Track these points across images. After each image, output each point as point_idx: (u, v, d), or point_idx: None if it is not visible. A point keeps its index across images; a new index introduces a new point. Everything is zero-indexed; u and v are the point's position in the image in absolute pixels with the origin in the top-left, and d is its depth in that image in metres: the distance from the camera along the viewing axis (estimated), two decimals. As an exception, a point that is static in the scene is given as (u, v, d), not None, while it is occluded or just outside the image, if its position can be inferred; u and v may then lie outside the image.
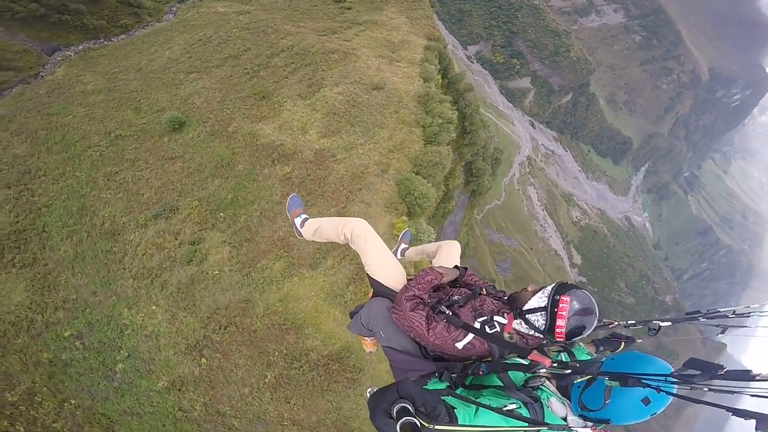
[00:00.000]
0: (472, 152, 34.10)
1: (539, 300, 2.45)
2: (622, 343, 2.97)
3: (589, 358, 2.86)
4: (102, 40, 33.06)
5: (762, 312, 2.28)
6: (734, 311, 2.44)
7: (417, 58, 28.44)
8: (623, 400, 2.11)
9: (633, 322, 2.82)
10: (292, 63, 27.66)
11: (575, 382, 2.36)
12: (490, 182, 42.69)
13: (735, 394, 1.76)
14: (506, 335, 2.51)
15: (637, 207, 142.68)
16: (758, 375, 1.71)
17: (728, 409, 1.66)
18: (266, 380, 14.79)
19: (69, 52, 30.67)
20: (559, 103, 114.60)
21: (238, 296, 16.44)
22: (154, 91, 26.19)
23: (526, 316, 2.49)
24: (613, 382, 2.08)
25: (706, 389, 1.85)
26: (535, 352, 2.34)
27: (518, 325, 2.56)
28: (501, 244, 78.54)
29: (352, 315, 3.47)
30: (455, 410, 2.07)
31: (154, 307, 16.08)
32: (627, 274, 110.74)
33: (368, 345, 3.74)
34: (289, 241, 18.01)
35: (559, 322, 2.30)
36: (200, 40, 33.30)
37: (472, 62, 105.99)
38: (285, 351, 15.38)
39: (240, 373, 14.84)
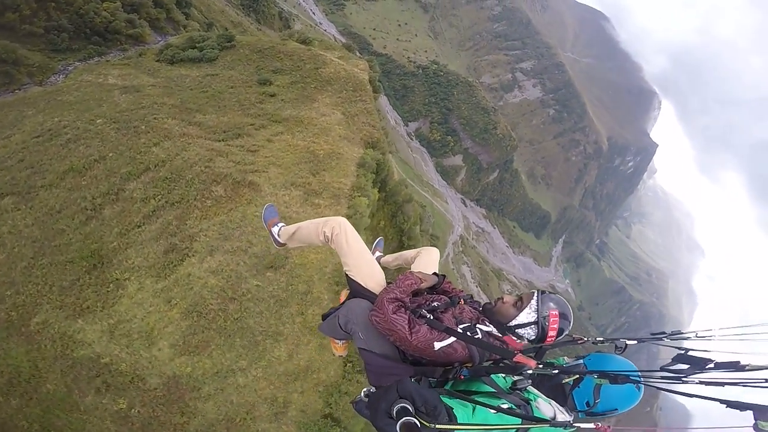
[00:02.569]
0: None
1: (528, 316, 2.56)
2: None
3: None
4: None
5: (722, 335, 2.27)
6: (696, 333, 2.42)
7: (345, 188, 21.02)
8: (617, 391, 2.24)
9: (602, 339, 2.82)
10: (156, 197, 18.79)
11: (563, 381, 2.42)
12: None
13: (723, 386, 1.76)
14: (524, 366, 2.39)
15: (559, 275, 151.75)
16: (747, 365, 1.74)
17: (723, 401, 1.65)
18: None
19: None
20: (487, 180, 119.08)
21: None
22: None
23: (516, 330, 2.58)
24: (602, 380, 2.15)
25: (697, 382, 1.85)
26: (519, 354, 2.35)
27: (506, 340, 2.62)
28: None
29: (324, 317, 3.31)
30: (453, 410, 2.06)
31: None
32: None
33: (339, 348, 3.59)
34: None
35: (551, 333, 2.49)
36: (49, 130, 23.71)
37: (412, 139, 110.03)
38: None
39: None
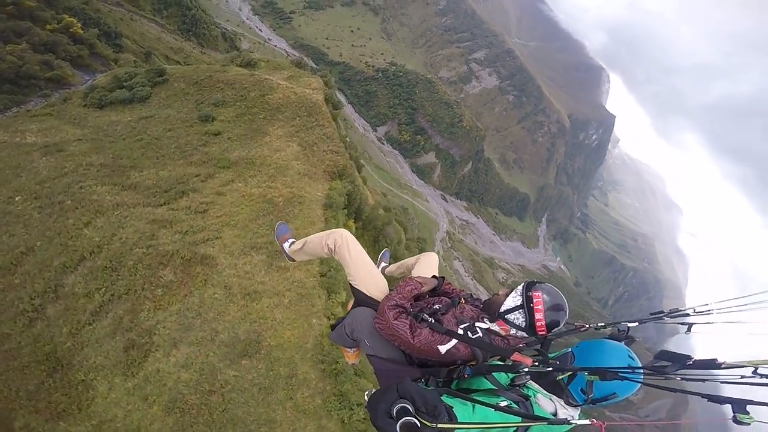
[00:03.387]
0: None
1: (513, 300, 2.64)
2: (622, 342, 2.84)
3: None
4: None
5: (719, 308, 2.25)
6: (694, 309, 2.40)
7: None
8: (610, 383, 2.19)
9: (602, 324, 2.76)
10: (99, 290, 16.40)
11: (557, 378, 2.38)
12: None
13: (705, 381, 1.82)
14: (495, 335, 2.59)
15: (549, 254, 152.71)
16: (723, 363, 1.78)
17: (704, 395, 1.72)
18: None
19: None
20: (462, 172, 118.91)
21: None
22: None
23: (506, 316, 2.66)
24: (593, 376, 2.16)
25: (679, 378, 1.91)
26: (516, 353, 2.35)
27: (497, 327, 2.68)
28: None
29: (333, 327, 3.35)
30: (453, 409, 2.06)
31: None
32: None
33: (350, 357, 3.52)
34: None
35: (537, 315, 2.50)
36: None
37: (383, 143, 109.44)
38: None
39: None
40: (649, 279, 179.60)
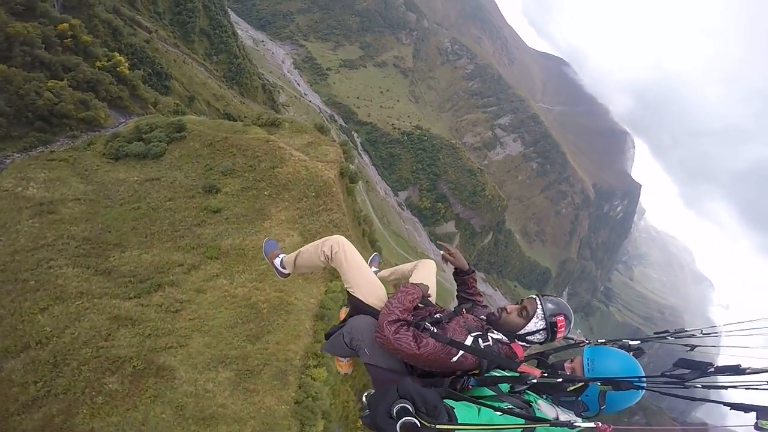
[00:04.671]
0: None
1: (536, 324, 2.62)
2: (630, 354, 2.73)
3: None
4: None
5: (727, 331, 2.20)
6: (701, 330, 2.45)
7: (295, 358, 15.50)
8: (622, 394, 2.17)
9: (603, 341, 2.66)
10: (36, 383, 15.21)
11: (568, 389, 2.34)
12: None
13: (725, 390, 1.78)
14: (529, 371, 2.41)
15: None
16: (748, 368, 1.73)
17: (726, 404, 1.69)
18: None
19: None
20: (482, 243, 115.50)
21: None
22: None
23: (526, 338, 2.66)
24: (606, 386, 2.13)
25: (699, 386, 1.88)
26: (524, 364, 2.37)
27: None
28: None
29: (327, 336, 3.29)
30: (454, 410, 2.04)
31: None
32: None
33: (343, 366, 3.53)
34: None
35: (559, 335, 2.61)
36: None
37: (403, 209, 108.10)
38: None
39: None
40: (675, 348, 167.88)
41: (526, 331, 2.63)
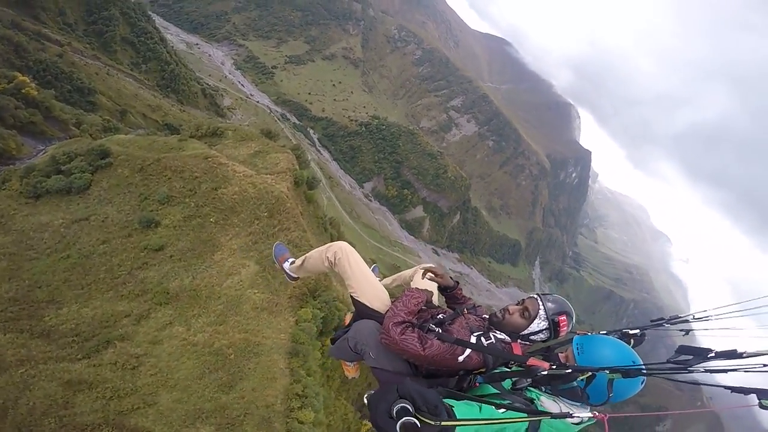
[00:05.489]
0: None
1: (539, 324, 2.66)
2: (631, 340, 2.78)
3: None
4: None
5: (717, 314, 2.32)
6: (693, 315, 2.49)
7: (276, 403, 13.54)
8: (628, 382, 2.20)
9: (605, 332, 2.73)
10: None
11: (577, 380, 2.36)
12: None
13: (720, 374, 1.85)
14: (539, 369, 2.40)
15: None
16: (744, 352, 1.79)
17: (728, 387, 1.73)
18: None
19: None
20: (452, 224, 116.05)
21: None
22: None
23: (530, 338, 2.70)
24: (614, 375, 2.14)
25: (702, 371, 1.92)
26: (532, 357, 2.37)
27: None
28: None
29: (333, 341, 3.34)
30: (455, 408, 2.05)
31: None
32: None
33: (350, 371, 3.55)
34: None
35: (562, 333, 2.67)
36: None
37: (371, 200, 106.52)
38: None
39: None
40: (650, 308, 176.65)
41: (529, 332, 2.67)
